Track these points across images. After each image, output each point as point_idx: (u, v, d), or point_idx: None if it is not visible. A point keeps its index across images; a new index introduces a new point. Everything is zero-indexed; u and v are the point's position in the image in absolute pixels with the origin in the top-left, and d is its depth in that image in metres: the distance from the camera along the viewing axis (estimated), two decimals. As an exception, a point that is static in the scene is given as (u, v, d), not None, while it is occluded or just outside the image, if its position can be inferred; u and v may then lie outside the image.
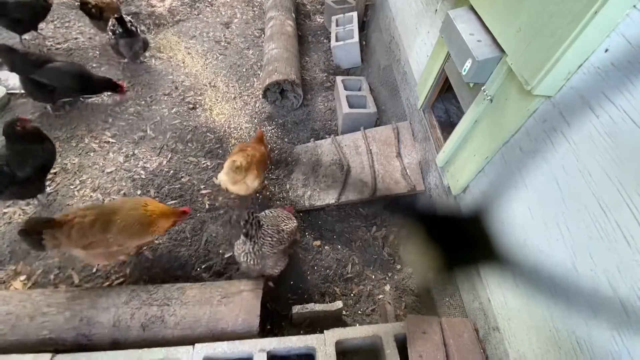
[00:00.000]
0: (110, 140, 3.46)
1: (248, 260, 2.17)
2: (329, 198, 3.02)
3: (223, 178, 2.75)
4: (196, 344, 1.93)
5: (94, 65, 4.13)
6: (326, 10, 5.33)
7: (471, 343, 1.95)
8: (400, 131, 3.23)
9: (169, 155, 3.44)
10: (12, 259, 2.62)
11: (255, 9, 5.61)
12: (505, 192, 1.77)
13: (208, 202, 3.11)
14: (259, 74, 4.47)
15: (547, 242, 1.48)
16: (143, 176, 3.21)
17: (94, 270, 2.62)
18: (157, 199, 3.05)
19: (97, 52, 4.35)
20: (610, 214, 1.19)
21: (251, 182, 2.79)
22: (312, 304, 2.36)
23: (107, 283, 2.57)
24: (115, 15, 3.77)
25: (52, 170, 3.14)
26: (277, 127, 3.92)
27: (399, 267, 2.86)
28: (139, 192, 3.10)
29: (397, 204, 3.15)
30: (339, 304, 2.36)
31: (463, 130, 2.08)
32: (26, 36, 4.18)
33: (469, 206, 2.13)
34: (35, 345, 1.98)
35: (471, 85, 2.10)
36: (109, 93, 3.70)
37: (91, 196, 3.02)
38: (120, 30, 3.77)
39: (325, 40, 5.20)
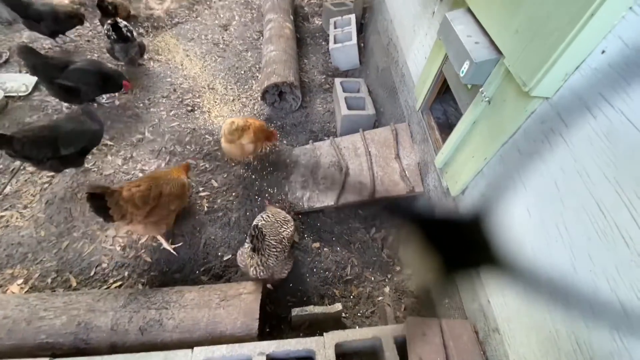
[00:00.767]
0: (109, 142, 3.45)
1: (258, 273, 2.20)
2: (327, 200, 3.01)
3: (223, 144, 3.06)
4: (195, 348, 1.92)
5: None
6: (324, 12, 5.35)
7: (471, 345, 1.95)
8: (398, 133, 3.24)
9: (167, 158, 3.43)
10: (9, 263, 2.61)
11: (253, 11, 5.63)
12: (504, 193, 1.77)
13: (207, 205, 3.10)
14: (257, 76, 4.48)
15: (546, 243, 1.48)
16: (141, 179, 3.21)
17: (92, 273, 2.61)
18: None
19: (96, 55, 4.35)
20: (609, 215, 1.19)
21: (246, 143, 3.04)
22: (312, 306, 2.36)
23: (105, 286, 2.56)
24: (109, 21, 3.76)
25: (50, 173, 3.13)
26: (276, 129, 3.92)
27: (398, 268, 2.86)
28: (137, 194, 3.09)
29: (396, 206, 3.15)
30: (338, 306, 2.35)
31: (461, 131, 2.08)
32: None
33: (468, 207, 2.13)
34: (32, 349, 1.96)
35: (469, 86, 2.10)
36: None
37: (89, 199, 3.01)
38: (115, 36, 3.77)
39: (323, 43, 5.22)
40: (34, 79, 3.80)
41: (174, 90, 4.11)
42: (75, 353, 1.97)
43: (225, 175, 3.35)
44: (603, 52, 1.22)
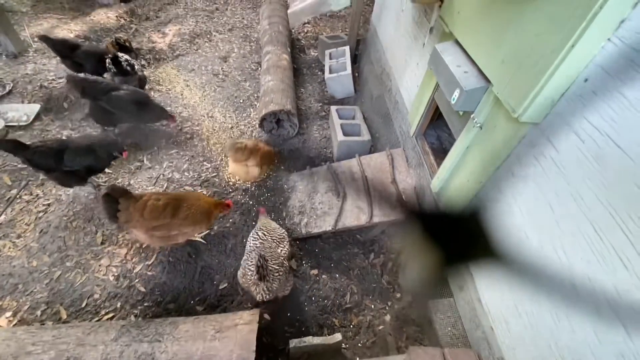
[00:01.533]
0: (107, 170, 3.47)
1: (264, 297, 2.25)
2: (325, 225, 3.00)
3: (230, 162, 3.19)
4: (188, 383, 1.83)
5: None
6: (320, 44, 5.59)
7: (476, 375, 1.87)
8: (394, 158, 3.29)
9: (165, 185, 3.44)
10: (-2, 295, 2.53)
11: (252, 43, 5.87)
12: (500, 217, 1.78)
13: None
14: (255, 105, 4.59)
15: (545, 266, 1.47)
16: (138, 206, 3.19)
17: (83, 304, 2.53)
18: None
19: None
20: (605, 238, 1.19)
21: (251, 166, 3.16)
22: (310, 337, 2.28)
23: (97, 318, 2.47)
24: (109, 55, 3.91)
25: (46, 202, 3.12)
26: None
27: (398, 295, 2.79)
28: (133, 222, 3.06)
29: (395, 230, 3.13)
30: (338, 337, 2.27)
31: (455, 156, 2.12)
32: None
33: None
34: (16, 388, 1.86)
35: (461, 113, 2.17)
36: (165, 122, 3.90)
37: (84, 227, 2.98)
38: (115, 69, 3.91)
39: (319, 73, 5.41)
40: (36, 108, 3.89)
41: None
42: (61, 391, 1.86)
43: (222, 202, 3.34)
44: (586, 80, 1.28)
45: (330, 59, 5.05)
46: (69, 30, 5.35)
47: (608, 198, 1.18)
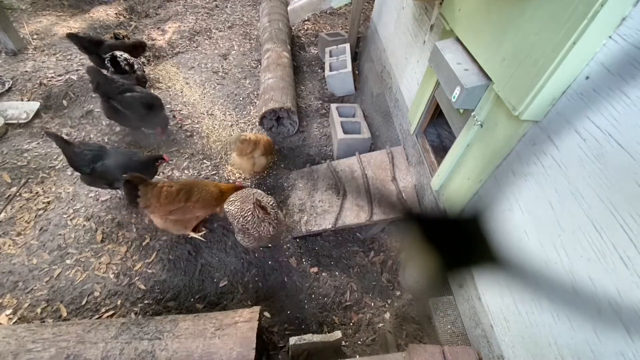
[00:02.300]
0: (106, 168, 3.46)
1: (273, 229, 2.55)
2: (325, 223, 3.00)
3: (233, 155, 3.25)
4: (188, 381, 1.83)
5: (94, 95, 4.21)
6: (320, 42, 5.57)
7: (476, 373, 1.87)
8: (394, 156, 3.28)
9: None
10: (-1, 292, 2.54)
11: (252, 41, 5.85)
12: (501, 215, 1.77)
13: (204, 229, 3.06)
14: (255, 103, 4.58)
15: (545, 265, 1.47)
16: (138, 204, 3.19)
17: (83, 302, 2.53)
18: (150, 226, 3.02)
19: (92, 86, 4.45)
20: (606, 236, 1.19)
21: (258, 157, 3.27)
22: (310, 334, 2.28)
23: (97, 316, 2.48)
24: (106, 55, 3.92)
25: (46, 199, 3.12)
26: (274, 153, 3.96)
27: (398, 293, 2.80)
28: (133, 219, 3.06)
29: (394, 228, 3.13)
30: (337, 334, 2.27)
31: (456, 154, 2.12)
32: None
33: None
34: (17, 385, 1.86)
35: (461, 111, 2.16)
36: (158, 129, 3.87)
37: (84, 225, 2.98)
38: (113, 68, 3.91)
39: (319, 70, 5.39)
40: (36, 106, 3.88)
41: (174, 116, 4.18)
42: (62, 388, 1.87)
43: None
44: (587, 78, 1.27)
45: (331, 56, 5.03)
46: (68, 27, 5.33)
47: (609, 196, 1.18)
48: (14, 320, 2.41)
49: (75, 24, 5.46)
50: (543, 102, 1.40)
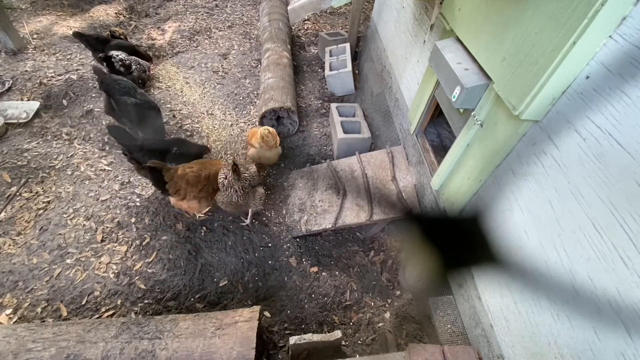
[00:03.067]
0: (107, 168, 3.47)
1: (240, 198, 2.68)
2: (325, 223, 3.00)
3: (256, 149, 3.35)
4: (188, 380, 1.83)
5: (94, 95, 4.22)
6: (320, 42, 5.57)
7: (476, 373, 1.87)
8: (394, 155, 3.28)
9: (165, 182, 3.43)
10: (-1, 292, 2.54)
11: (252, 41, 5.84)
12: (500, 214, 1.77)
13: (205, 228, 3.07)
14: (255, 102, 4.58)
15: (545, 265, 1.47)
16: (138, 204, 3.19)
17: (83, 302, 2.54)
18: (150, 226, 3.03)
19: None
20: (606, 236, 1.19)
21: (278, 148, 3.46)
22: (310, 334, 2.28)
23: (97, 316, 2.48)
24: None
25: (46, 199, 3.12)
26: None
27: (398, 293, 2.80)
28: (133, 219, 3.06)
29: (394, 228, 3.13)
30: (337, 334, 2.28)
31: (456, 154, 2.12)
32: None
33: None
34: (17, 385, 1.86)
35: (461, 111, 2.16)
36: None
37: (84, 224, 2.98)
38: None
39: (319, 70, 5.39)
40: (35, 105, 3.87)
41: (174, 116, 4.18)
42: (62, 388, 1.87)
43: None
44: (587, 77, 1.27)
45: (331, 56, 5.03)
46: (68, 27, 5.33)
47: (609, 196, 1.18)
48: (14, 320, 2.41)
49: (75, 24, 5.46)
50: (543, 101, 1.41)
